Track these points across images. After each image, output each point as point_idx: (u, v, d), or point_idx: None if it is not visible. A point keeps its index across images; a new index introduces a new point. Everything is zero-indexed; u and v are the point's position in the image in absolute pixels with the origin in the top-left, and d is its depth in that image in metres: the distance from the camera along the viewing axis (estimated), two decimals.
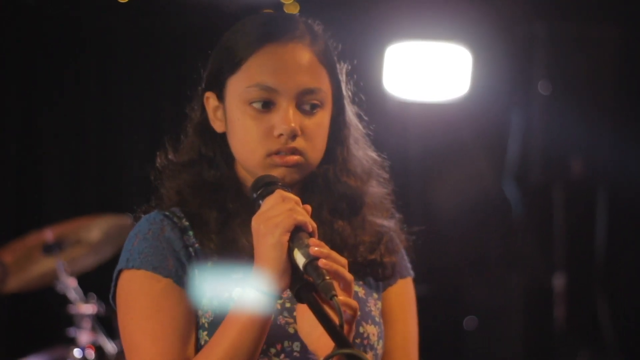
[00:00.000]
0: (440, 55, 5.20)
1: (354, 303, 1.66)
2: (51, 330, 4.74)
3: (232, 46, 1.89)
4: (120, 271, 1.86)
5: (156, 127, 5.27)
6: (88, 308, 4.18)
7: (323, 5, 4.69)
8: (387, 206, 2.01)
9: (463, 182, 5.46)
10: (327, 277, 1.62)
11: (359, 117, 2.02)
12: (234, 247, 1.85)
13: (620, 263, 5.41)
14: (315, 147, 1.87)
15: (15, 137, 5.25)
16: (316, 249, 1.65)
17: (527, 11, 5.25)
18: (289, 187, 1.78)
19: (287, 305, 1.84)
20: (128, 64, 5.41)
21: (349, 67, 1.99)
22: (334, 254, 1.67)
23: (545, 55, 5.09)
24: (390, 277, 1.98)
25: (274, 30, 1.88)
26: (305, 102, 1.86)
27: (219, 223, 1.87)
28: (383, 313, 1.97)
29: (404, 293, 2.01)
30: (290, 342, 1.83)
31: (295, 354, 1.83)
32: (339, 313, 1.59)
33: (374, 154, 2.02)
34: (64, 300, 4.21)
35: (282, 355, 1.82)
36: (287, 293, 1.71)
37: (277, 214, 1.68)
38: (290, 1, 5.01)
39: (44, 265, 4.24)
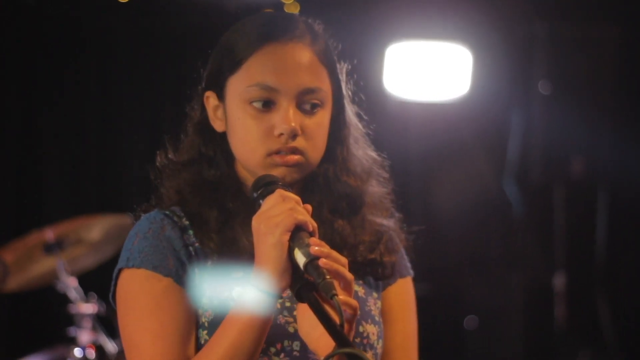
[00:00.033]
0: (441, 55, 5.20)
1: (354, 302, 1.66)
2: (52, 330, 4.74)
3: (233, 46, 1.89)
4: (120, 270, 1.86)
5: (156, 127, 5.27)
6: (88, 307, 4.18)
7: (323, 4, 4.69)
8: (386, 205, 2.01)
9: (463, 182, 5.46)
10: (328, 277, 1.62)
11: (359, 116, 2.02)
12: (234, 247, 1.85)
13: (620, 263, 5.40)
14: (315, 147, 1.88)
15: (16, 137, 5.25)
16: (317, 248, 1.65)
17: (528, 11, 5.25)
18: (289, 186, 1.78)
19: (287, 304, 1.84)
20: (128, 64, 5.41)
21: (349, 67, 1.99)
22: (335, 254, 1.67)
23: (546, 55, 5.09)
24: (389, 277, 1.98)
25: (274, 30, 1.88)
26: (306, 102, 1.87)
27: (219, 222, 1.87)
28: (383, 312, 1.97)
29: (403, 292, 2.01)
30: (290, 342, 1.83)
31: (295, 353, 1.83)
32: (339, 312, 1.59)
33: (373, 154, 2.03)
34: (65, 300, 4.21)
35: (282, 355, 1.82)
36: (287, 292, 1.71)
37: (278, 213, 1.68)
38: (291, 1, 5.01)
39: (44, 264, 4.24)
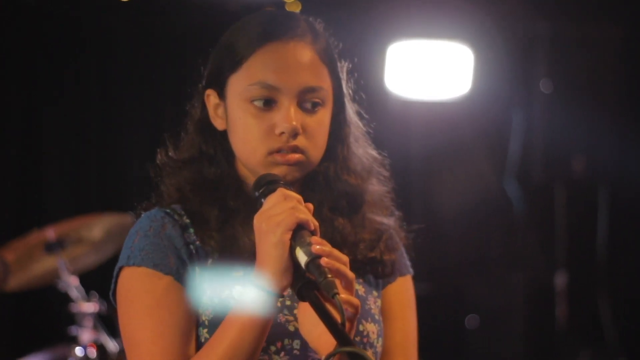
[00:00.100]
0: (442, 53, 5.20)
1: (355, 301, 1.66)
2: (53, 329, 4.74)
3: (233, 44, 1.89)
4: (120, 268, 1.86)
5: (156, 126, 5.27)
6: (90, 306, 4.18)
7: (325, 3, 4.69)
8: (387, 204, 2.01)
9: (464, 181, 5.46)
10: (329, 275, 1.62)
11: (360, 115, 2.02)
12: (234, 245, 1.85)
13: (621, 262, 5.41)
14: (316, 145, 1.87)
15: (16, 137, 5.25)
16: (318, 247, 1.65)
17: (529, 10, 5.25)
18: (290, 185, 1.78)
19: (288, 302, 1.84)
20: (128, 64, 5.41)
21: (350, 66, 1.99)
22: (336, 252, 1.67)
23: (547, 54, 5.09)
24: (389, 275, 1.98)
25: (275, 29, 1.88)
26: (307, 101, 1.86)
27: (219, 221, 1.87)
28: (383, 311, 1.97)
29: (403, 291, 2.01)
30: (290, 340, 1.82)
31: (295, 351, 1.83)
32: (340, 311, 1.59)
33: (374, 152, 2.02)
34: (66, 299, 4.21)
35: (282, 353, 1.82)
36: (288, 291, 1.71)
37: (279, 212, 1.68)
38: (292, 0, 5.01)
39: (45, 263, 4.24)
